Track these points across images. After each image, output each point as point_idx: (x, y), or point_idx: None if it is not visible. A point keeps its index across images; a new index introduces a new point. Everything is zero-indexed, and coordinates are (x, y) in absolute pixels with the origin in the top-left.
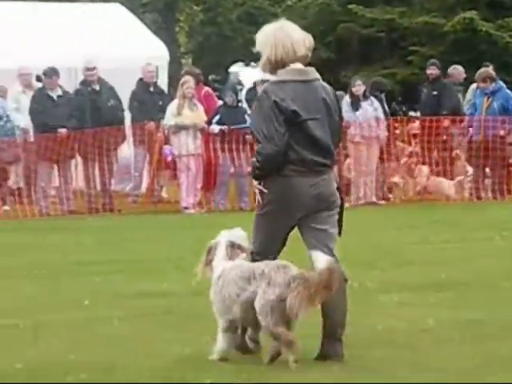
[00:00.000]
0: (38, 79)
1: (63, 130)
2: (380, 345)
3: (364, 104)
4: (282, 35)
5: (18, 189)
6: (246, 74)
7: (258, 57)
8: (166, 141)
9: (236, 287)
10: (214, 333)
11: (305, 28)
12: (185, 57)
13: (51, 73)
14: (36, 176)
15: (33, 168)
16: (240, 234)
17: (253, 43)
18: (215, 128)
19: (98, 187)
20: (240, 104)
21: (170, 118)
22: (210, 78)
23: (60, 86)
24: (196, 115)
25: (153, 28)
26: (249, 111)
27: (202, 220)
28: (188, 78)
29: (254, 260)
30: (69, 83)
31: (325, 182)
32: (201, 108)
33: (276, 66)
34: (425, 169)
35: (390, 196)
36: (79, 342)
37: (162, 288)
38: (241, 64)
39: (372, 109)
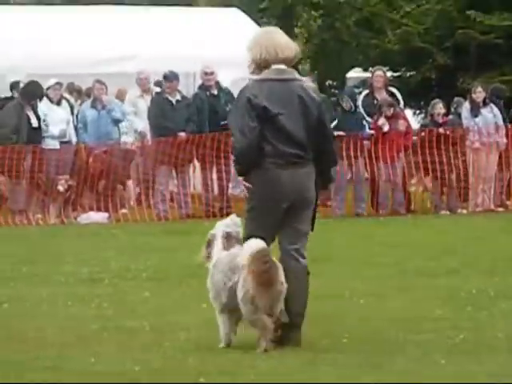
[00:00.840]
0: (157, 84)
1: (183, 134)
2: (501, 352)
3: (484, 111)
4: (266, 39)
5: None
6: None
7: (376, 62)
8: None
9: (224, 276)
10: (331, 338)
11: (422, 34)
12: (302, 62)
13: (172, 77)
14: (154, 180)
15: (151, 172)
16: (235, 221)
17: (371, 48)
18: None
19: (216, 191)
20: (357, 109)
21: None
22: (327, 83)
23: (178, 91)
24: None
25: None
26: (366, 117)
27: (317, 225)
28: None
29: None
30: (187, 88)
31: (305, 175)
32: None
33: (259, 66)
34: None
35: (508, 203)
36: (198, 344)
37: None
38: (359, 69)
39: (491, 115)
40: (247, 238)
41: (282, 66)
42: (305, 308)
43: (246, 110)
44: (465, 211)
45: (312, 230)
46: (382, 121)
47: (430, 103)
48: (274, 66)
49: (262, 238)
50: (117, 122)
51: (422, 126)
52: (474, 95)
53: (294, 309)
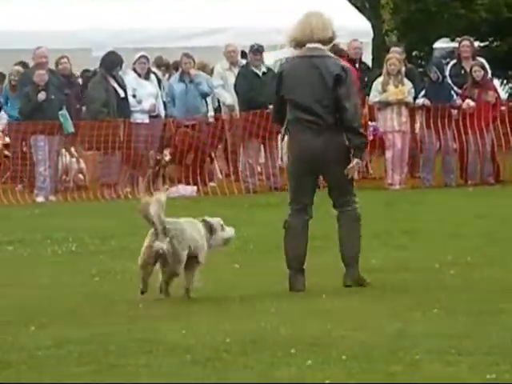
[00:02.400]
0: (243, 55)
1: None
2: None
3: None
4: (305, 21)
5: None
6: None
7: (463, 32)
8: (371, 117)
9: None
10: (424, 308)
11: (510, 4)
12: (389, 33)
13: (257, 49)
14: (244, 153)
15: (239, 145)
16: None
17: (458, 18)
18: (420, 101)
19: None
20: (445, 80)
21: (375, 95)
22: (414, 54)
23: (263, 63)
24: (401, 91)
25: (357, 4)
26: (454, 87)
27: (407, 196)
28: (392, 54)
29: (290, 207)
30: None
31: (323, 141)
32: (408, 84)
33: (298, 44)
34: None
35: None
36: (288, 316)
37: (371, 264)
38: (446, 39)
39: None
40: (290, 198)
41: (315, 45)
42: (355, 251)
43: (275, 85)
44: None
45: (352, 186)
46: (467, 103)
47: None
48: (308, 45)
49: (301, 198)
50: (204, 95)
51: (509, 95)
52: None
53: (347, 252)
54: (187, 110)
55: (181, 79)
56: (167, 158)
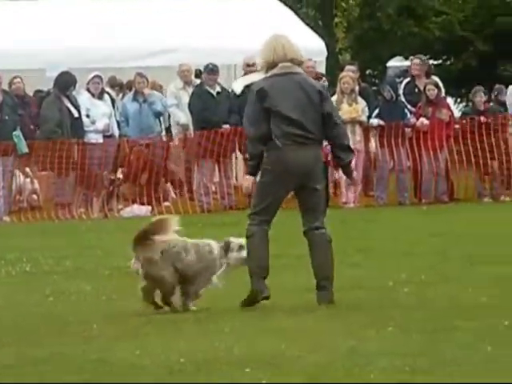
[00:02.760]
0: (197, 75)
1: (227, 126)
2: None
3: None
4: (276, 43)
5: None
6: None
7: (416, 50)
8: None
9: None
10: (378, 326)
11: (463, 21)
12: (342, 52)
13: (212, 69)
14: (198, 172)
15: (193, 164)
16: None
17: (411, 36)
18: (374, 122)
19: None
20: (399, 98)
21: None
22: (368, 72)
23: (218, 83)
24: (355, 110)
25: (310, 23)
26: (407, 105)
27: (361, 214)
28: (346, 73)
29: (254, 218)
30: (228, 80)
31: (310, 156)
32: (362, 102)
33: (270, 66)
34: None
35: None
36: (243, 335)
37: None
38: (400, 58)
39: None
40: (252, 210)
41: (289, 64)
42: (331, 272)
43: (255, 101)
44: (508, 198)
45: (327, 206)
46: (421, 121)
47: (472, 91)
48: (282, 64)
49: (271, 211)
50: (158, 114)
51: (463, 113)
52: None
53: (321, 274)
54: (141, 129)
55: (134, 99)
56: (120, 177)
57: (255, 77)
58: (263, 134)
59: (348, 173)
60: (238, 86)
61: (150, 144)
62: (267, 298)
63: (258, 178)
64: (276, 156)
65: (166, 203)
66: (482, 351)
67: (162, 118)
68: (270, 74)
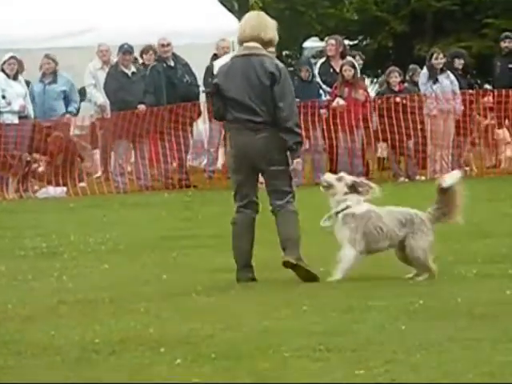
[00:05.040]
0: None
1: (142, 106)
2: (461, 316)
3: (441, 77)
4: (244, 21)
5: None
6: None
7: (333, 31)
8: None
9: None
10: (293, 306)
11: (379, 2)
12: None
13: (127, 50)
14: (114, 152)
15: (110, 145)
16: None
17: (327, 17)
18: None
19: (175, 163)
20: (314, 79)
21: None
22: (284, 53)
23: (133, 63)
24: None
25: (226, 4)
26: (323, 85)
27: None
28: None
29: (235, 205)
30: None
31: (262, 139)
32: None
33: (240, 43)
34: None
35: (467, 169)
36: (158, 316)
37: None
38: (315, 39)
39: (449, 82)
40: (234, 194)
41: (252, 44)
42: (296, 234)
43: (211, 88)
44: (423, 177)
45: (290, 186)
46: (337, 101)
47: (386, 71)
48: (245, 44)
49: (245, 194)
50: (64, 96)
51: (377, 93)
52: (434, 61)
53: (287, 235)
54: (44, 111)
55: (40, 80)
56: (37, 157)
57: None
58: (220, 116)
59: (293, 156)
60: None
61: (50, 126)
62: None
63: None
64: (231, 140)
65: (82, 184)
66: (395, 330)
67: (70, 99)
68: (233, 54)
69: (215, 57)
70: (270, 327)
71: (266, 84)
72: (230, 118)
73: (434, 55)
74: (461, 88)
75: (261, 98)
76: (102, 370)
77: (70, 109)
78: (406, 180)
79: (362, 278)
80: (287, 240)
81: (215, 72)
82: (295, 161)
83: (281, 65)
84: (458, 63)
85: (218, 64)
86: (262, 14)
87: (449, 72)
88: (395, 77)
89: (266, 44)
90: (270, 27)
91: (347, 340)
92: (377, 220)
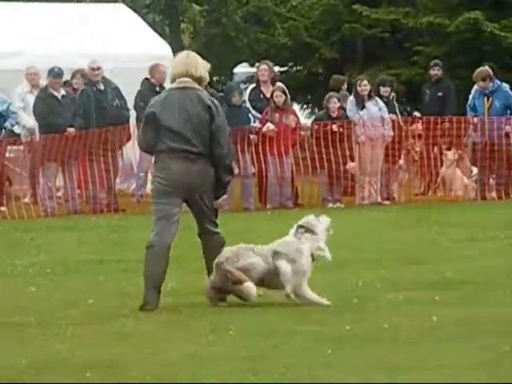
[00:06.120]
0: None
1: (72, 130)
2: (387, 342)
3: (368, 104)
4: (179, 58)
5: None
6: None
7: (263, 57)
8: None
9: None
10: (218, 330)
11: (309, 28)
12: None
13: (57, 73)
14: (42, 176)
15: (38, 168)
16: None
17: (258, 43)
18: None
19: (103, 187)
20: (244, 104)
21: None
22: (215, 78)
23: (62, 87)
24: None
25: (157, 28)
26: (252, 111)
27: None
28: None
29: (155, 228)
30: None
31: (196, 171)
32: None
33: (173, 79)
34: (450, 154)
35: (395, 196)
36: (85, 339)
37: (167, 287)
38: (245, 64)
39: (377, 108)
40: (156, 217)
41: (185, 79)
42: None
43: (145, 117)
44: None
45: (216, 217)
46: (267, 126)
47: (325, 97)
48: (180, 79)
49: (167, 220)
50: (0, 116)
51: (316, 119)
52: (359, 88)
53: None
54: None
55: None
56: None
57: None
58: (151, 146)
59: (222, 193)
60: None
61: None
62: (152, 309)
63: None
64: (161, 168)
65: (2, 208)
66: (322, 355)
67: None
68: (168, 87)
69: (147, 81)
70: (197, 352)
71: (203, 116)
72: (163, 148)
73: (358, 82)
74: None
75: (197, 130)
76: None
77: (6, 124)
78: (335, 205)
79: (289, 304)
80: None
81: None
82: (222, 197)
83: (215, 100)
84: (384, 90)
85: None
86: (193, 53)
87: (377, 98)
88: (334, 102)
89: (196, 80)
90: (200, 65)
91: (274, 364)
92: None
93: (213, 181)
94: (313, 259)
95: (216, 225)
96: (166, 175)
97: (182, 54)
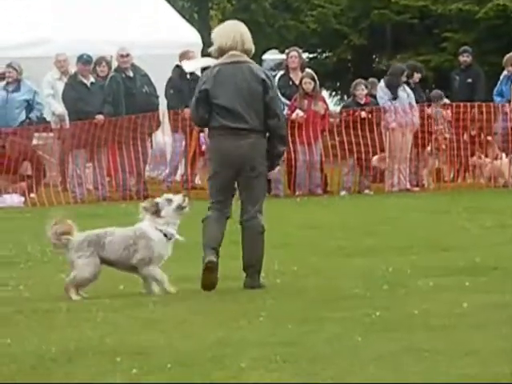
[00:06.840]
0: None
1: (101, 117)
2: (417, 328)
3: (399, 90)
4: (234, 28)
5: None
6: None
7: (292, 43)
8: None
9: None
10: (249, 316)
11: (338, 14)
12: None
13: (86, 60)
14: (72, 163)
15: (68, 155)
16: None
17: (287, 30)
18: None
19: (133, 174)
20: None
21: None
22: None
23: (91, 74)
24: None
25: (186, 15)
26: (281, 98)
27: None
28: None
29: (211, 207)
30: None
31: (248, 145)
32: None
33: (221, 53)
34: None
35: (425, 183)
36: (115, 325)
37: (197, 273)
38: (275, 51)
39: (406, 95)
40: (212, 199)
41: (235, 52)
42: (259, 260)
43: (197, 93)
44: (371, 192)
45: (265, 195)
46: (296, 113)
47: (352, 84)
48: (232, 52)
49: (220, 200)
50: (27, 105)
51: (344, 106)
52: (401, 77)
53: (247, 261)
54: (6, 119)
55: (4, 88)
56: None
57: (209, 61)
58: (204, 122)
59: (276, 164)
60: (189, 66)
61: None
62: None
63: None
64: (213, 145)
65: (32, 195)
66: (351, 341)
67: (33, 106)
68: (219, 61)
69: (177, 68)
70: (226, 337)
71: (256, 89)
72: (216, 125)
73: (391, 69)
74: (417, 102)
75: (250, 104)
76: (57, 378)
77: (31, 115)
78: (367, 191)
79: (318, 290)
80: (250, 267)
81: (188, 68)
82: (277, 168)
83: (268, 73)
84: (416, 76)
85: (193, 64)
86: (237, 26)
87: (405, 85)
88: (361, 89)
89: (249, 54)
90: (247, 37)
91: (303, 351)
92: None
93: (264, 154)
94: (169, 239)
95: (260, 209)
96: (217, 152)
97: (228, 26)
